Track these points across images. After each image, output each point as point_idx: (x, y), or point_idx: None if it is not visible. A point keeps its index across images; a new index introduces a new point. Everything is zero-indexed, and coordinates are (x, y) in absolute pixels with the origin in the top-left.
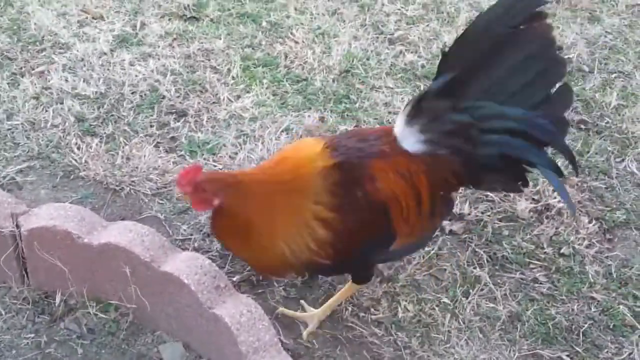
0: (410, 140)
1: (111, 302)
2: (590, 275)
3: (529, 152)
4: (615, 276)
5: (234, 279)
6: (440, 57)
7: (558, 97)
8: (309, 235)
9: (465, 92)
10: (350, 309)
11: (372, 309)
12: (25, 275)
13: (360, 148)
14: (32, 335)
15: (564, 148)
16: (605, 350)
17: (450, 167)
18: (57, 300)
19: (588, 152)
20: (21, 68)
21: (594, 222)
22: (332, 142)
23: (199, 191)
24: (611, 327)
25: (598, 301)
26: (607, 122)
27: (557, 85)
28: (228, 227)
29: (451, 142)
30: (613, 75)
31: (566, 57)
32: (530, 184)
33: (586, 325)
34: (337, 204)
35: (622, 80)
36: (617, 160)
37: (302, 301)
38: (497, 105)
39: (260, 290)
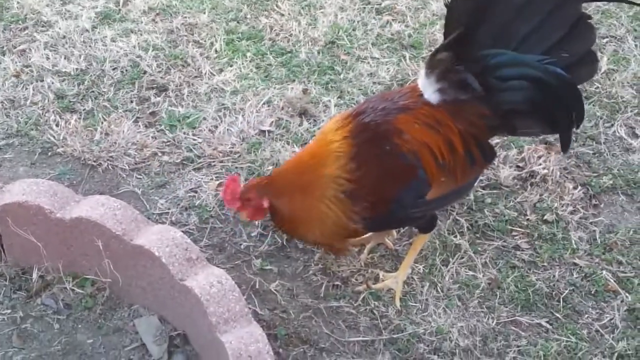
0: (429, 90)
1: (87, 276)
2: (573, 242)
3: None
4: (599, 242)
5: (210, 251)
6: (446, 13)
7: (579, 33)
8: (338, 189)
9: (476, 41)
10: (327, 279)
11: (351, 280)
12: (2, 252)
13: (384, 107)
14: (9, 311)
15: (573, 98)
16: (586, 316)
17: (475, 111)
18: (34, 276)
19: None
20: (2, 47)
21: (579, 188)
22: (360, 108)
23: (247, 202)
24: (593, 292)
25: (580, 267)
26: (597, 87)
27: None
28: (284, 220)
29: (469, 89)
30: (604, 40)
31: None
32: (515, 150)
33: (567, 292)
34: (361, 159)
35: (614, 45)
36: (606, 125)
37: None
38: (511, 53)
39: (237, 262)
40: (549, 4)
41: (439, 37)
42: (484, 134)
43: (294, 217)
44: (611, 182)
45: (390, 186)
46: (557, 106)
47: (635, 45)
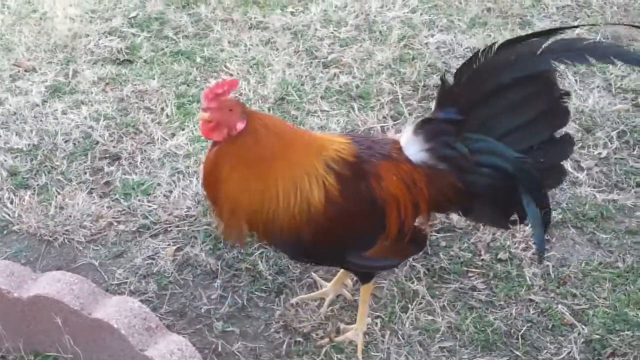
0: (415, 148)
1: (49, 353)
2: (528, 278)
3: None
4: (553, 276)
5: (171, 318)
6: (439, 86)
7: (558, 145)
8: (312, 191)
9: (466, 122)
10: (289, 336)
11: (312, 335)
12: None
13: (371, 147)
14: None
15: (542, 203)
16: (545, 351)
17: (449, 181)
18: None
19: None
20: None
21: None
22: (351, 137)
23: (225, 110)
24: (550, 327)
25: (536, 303)
26: None
27: (559, 133)
28: (235, 158)
29: (448, 159)
30: None
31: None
32: None
33: (525, 328)
34: (340, 188)
35: None
36: None
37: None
38: (492, 141)
39: (198, 326)
40: (540, 106)
41: (386, 86)
42: (445, 207)
43: (263, 161)
44: (561, 216)
45: (347, 222)
46: (520, 203)
47: (575, 80)
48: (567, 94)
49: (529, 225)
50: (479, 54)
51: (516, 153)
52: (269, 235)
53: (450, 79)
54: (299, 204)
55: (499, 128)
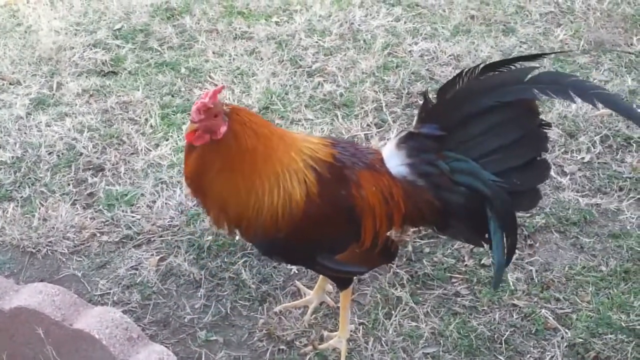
0: (396, 161)
1: None
2: (511, 283)
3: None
4: (536, 281)
5: (154, 328)
6: (422, 103)
7: (535, 168)
8: (294, 187)
9: (447, 140)
10: (273, 344)
11: (295, 343)
12: None
13: (354, 154)
14: None
15: (510, 230)
16: (528, 356)
17: (425, 197)
18: None
19: None
20: None
21: None
22: (334, 142)
23: (211, 118)
24: (533, 332)
25: (520, 308)
26: None
27: (537, 158)
28: (219, 161)
29: (427, 176)
30: None
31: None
32: None
33: (508, 333)
34: (320, 189)
35: None
36: None
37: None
38: (471, 163)
39: (181, 336)
40: (519, 131)
41: (370, 94)
42: (420, 221)
43: (246, 159)
44: (544, 221)
45: (321, 223)
46: (490, 225)
47: None
48: (548, 124)
49: (491, 252)
50: (463, 74)
51: (492, 176)
52: (250, 232)
53: (432, 96)
54: (282, 200)
55: (478, 149)
